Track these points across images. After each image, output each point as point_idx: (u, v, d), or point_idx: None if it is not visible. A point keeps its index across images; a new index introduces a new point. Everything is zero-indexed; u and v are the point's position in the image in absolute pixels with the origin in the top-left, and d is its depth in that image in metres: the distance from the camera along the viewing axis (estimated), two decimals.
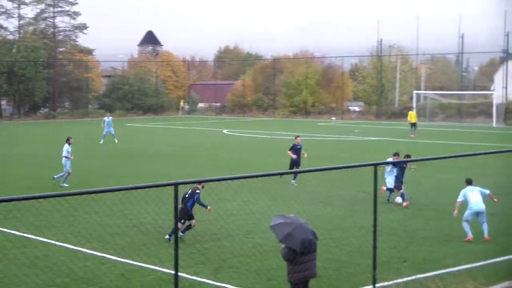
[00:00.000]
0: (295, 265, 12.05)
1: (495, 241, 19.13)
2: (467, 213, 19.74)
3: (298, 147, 31.02)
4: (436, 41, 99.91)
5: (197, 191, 19.44)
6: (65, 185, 30.02)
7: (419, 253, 17.75)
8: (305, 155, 31.30)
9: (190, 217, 19.53)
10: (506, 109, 77.03)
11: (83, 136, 54.79)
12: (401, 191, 25.02)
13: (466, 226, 19.70)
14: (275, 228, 12.13)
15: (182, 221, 19.23)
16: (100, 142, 50.99)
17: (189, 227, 19.69)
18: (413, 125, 59.54)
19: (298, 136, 32.15)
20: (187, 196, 19.42)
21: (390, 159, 24.87)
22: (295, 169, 29.53)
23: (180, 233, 19.84)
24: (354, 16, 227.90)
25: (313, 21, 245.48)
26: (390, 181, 25.52)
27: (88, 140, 52.49)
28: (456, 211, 19.91)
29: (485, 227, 19.73)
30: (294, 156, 30.72)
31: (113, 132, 52.33)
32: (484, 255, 17.42)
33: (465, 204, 19.75)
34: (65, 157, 30.35)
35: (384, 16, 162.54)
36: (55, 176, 30.51)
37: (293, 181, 29.90)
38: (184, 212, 19.08)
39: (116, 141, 51.24)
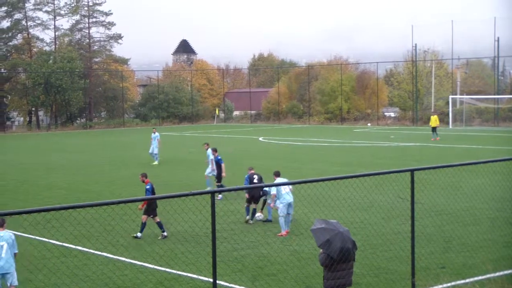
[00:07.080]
0: (332, 272, 12.00)
1: None
2: (281, 206, 20.85)
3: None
4: (471, 44, 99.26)
5: None
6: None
7: (458, 259, 17.60)
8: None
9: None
10: None
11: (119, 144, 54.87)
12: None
13: (281, 221, 20.91)
14: (315, 232, 12.05)
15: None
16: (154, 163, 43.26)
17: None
18: (434, 129, 58.92)
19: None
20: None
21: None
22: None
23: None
24: (386, 21, 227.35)
25: (345, 26, 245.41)
26: None
27: (123, 149, 52.72)
28: (272, 204, 21.61)
29: (289, 219, 21.06)
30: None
31: (156, 151, 43.50)
32: None
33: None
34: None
35: (417, 20, 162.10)
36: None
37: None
38: None
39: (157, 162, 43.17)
